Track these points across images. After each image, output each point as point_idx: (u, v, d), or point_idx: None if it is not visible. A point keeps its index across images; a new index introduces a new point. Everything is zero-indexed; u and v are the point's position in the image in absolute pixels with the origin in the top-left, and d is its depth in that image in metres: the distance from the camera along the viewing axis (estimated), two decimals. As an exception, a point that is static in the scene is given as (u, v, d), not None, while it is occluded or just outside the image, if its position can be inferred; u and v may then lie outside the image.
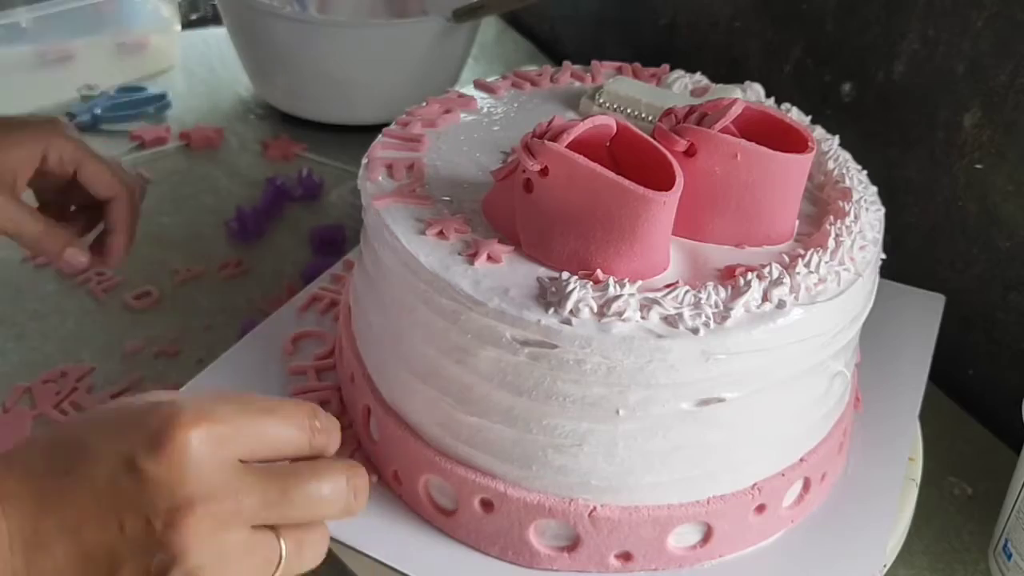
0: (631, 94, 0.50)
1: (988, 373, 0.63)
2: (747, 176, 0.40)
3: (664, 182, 0.37)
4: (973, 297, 0.63)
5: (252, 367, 0.50)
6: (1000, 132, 0.59)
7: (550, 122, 0.39)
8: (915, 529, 0.48)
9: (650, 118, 0.48)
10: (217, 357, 0.51)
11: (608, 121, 0.39)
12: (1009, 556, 0.49)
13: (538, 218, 0.39)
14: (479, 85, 0.54)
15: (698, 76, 0.55)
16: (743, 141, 0.39)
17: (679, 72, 0.55)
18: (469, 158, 0.47)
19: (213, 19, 1.05)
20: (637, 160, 0.39)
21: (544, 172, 0.38)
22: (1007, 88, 0.58)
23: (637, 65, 0.56)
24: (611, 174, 0.36)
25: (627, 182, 0.36)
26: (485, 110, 0.52)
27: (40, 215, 0.50)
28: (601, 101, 0.50)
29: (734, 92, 0.51)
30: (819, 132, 0.50)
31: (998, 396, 0.59)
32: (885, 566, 0.44)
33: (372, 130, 0.49)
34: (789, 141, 0.40)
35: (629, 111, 0.49)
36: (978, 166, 0.61)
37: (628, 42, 0.99)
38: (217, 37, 1.00)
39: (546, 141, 0.37)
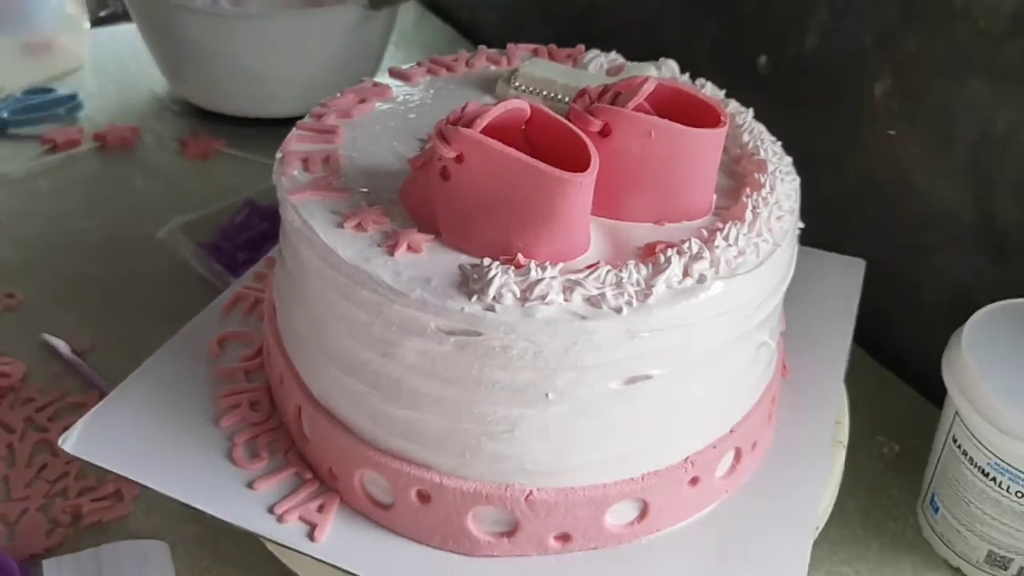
0: (547, 76, 0.49)
1: (910, 334, 0.65)
2: (662, 153, 0.40)
3: (580, 163, 0.37)
4: (893, 261, 0.64)
5: (178, 371, 0.48)
6: (910, 100, 0.60)
7: (464, 108, 0.38)
8: (847, 489, 0.49)
9: (566, 99, 0.48)
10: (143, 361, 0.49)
11: (522, 104, 0.39)
12: (936, 509, 0.51)
13: (457, 205, 0.38)
14: (394, 73, 0.53)
15: (613, 55, 0.55)
16: (656, 118, 0.40)
17: (594, 52, 0.55)
18: (386, 148, 0.46)
19: (123, 15, 1.01)
20: (553, 142, 0.39)
21: (460, 159, 0.37)
22: (914, 56, 0.59)
23: (552, 46, 0.56)
24: (526, 158, 0.36)
25: (543, 165, 0.36)
26: (401, 98, 0.51)
27: None
28: (517, 84, 0.50)
29: (648, 70, 0.52)
30: (733, 106, 0.50)
31: (920, 355, 0.61)
32: (818, 528, 0.45)
33: (294, 122, 0.48)
34: (702, 116, 0.41)
35: (545, 93, 0.49)
36: (890, 133, 0.62)
37: (548, 23, 0.99)
38: (128, 34, 0.97)
39: (460, 127, 0.37)
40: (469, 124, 0.37)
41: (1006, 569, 0.49)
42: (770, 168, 0.44)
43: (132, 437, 0.44)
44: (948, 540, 0.50)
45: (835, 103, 0.66)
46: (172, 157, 0.83)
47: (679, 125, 0.40)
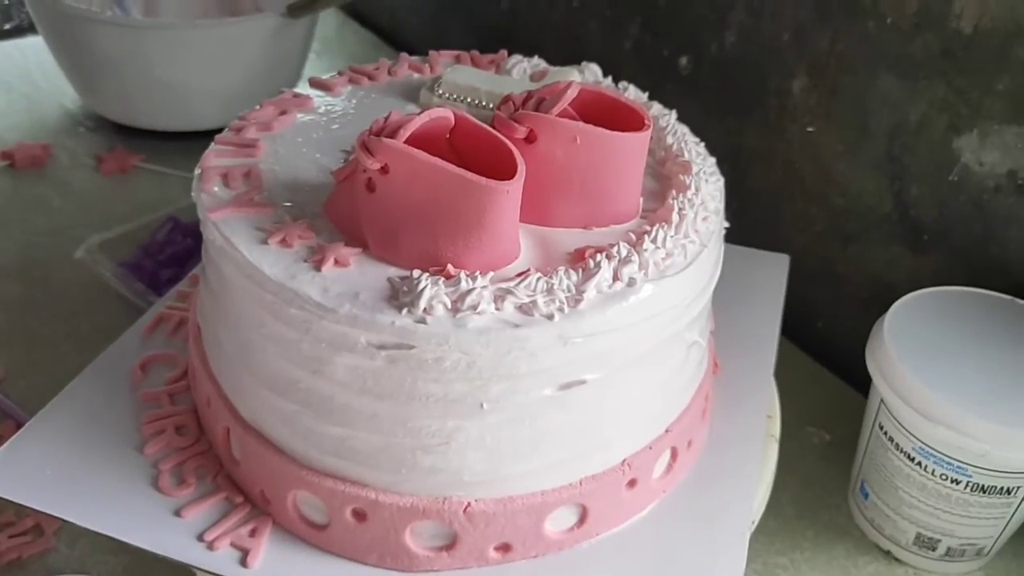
0: (470, 83, 0.49)
1: (835, 324, 0.67)
2: (588, 158, 0.40)
3: (507, 171, 0.36)
4: (816, 254, 0.66)
5: (100, 398, 0.47)
6: (826, 95, 0.62)
7: (387, 118, 0.38)
8: (781, 481, 0.50)
9: (491, 106, 0.48)
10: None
11: (446, 113, 0.38)
12: (866, 495, 0.52)
13: (383, 217, 0.38)
14: (315, 83, 0.52)
15: (536, 60, 0.55)
16: (581, 123, 0.40)
17: (517, 57, 0.55)
18: (309, 160, 0.45)
19: (29, 28, 0.98)
20: (478, 150, 0.38)
21: (384, 170, 0.37)
22: (828, 53, 0.61)
23: (475, 53, 0.56)
24: (452, 167, 0.36)
25: (468, 174, 0.36)
26: (323, 109, 0.50)
27: None
28: (440, 92, 0.50)
29: (572, 74, 0.52)
30: (657, 108, 0.51)
31: (846, 345, 0.62)
32: (754, 522, 0.45)
33: (215, 134, 0.46)
34: (626, 120, 0.41)
35: (470, 100, 0.49)
36: (810, 129, 0.64)
37: (471, 28, 0.99)
38: (35, 47, 0.93)
39: (384, 138, 0.36)
40: (393, 134, 0.36)
41: (934, 550, 0.50)
42: (694, 169, 0.45)
43: (51, 469, 0.43)
44: (878, 525, 0.52)
45: (756, 101, 0.67)
46: (88, 174, 0.80)
47: (604, 130, 0.40)
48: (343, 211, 0.40)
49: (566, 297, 0.36)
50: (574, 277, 0.37)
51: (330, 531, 0.40)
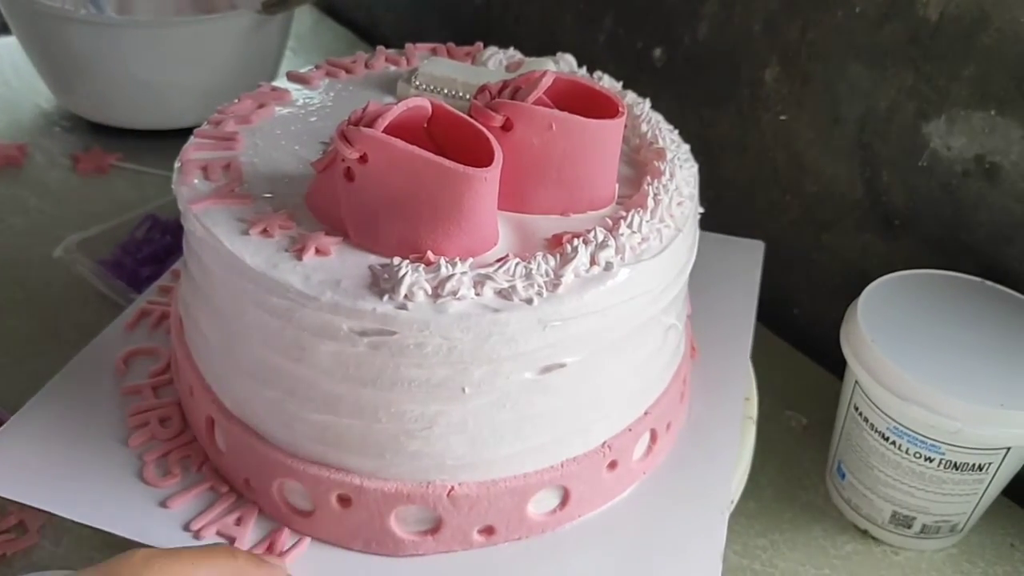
0: (446, 74, 0.50)
1: (810, 309, 0.68)
2: (564, 145, 0.40)
3: (484, 158, 0.37)
4: (791, 240, 0.67)
5: (83, 392, 0.47)
6: (798, 84, 0.63)
7: (365, 108, 0.38)
8: (759, 463, 0.51)
9: (467, 96, 0.49)
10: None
11: (423, 102, 0.39)
12: (843, 476, 0.53)
13: (363, 206, 0.38)
14: (292, 77, 0.53)
15: (511, 51, 0.55)
16: (556, 111, 0.40)
17: (493, 49, 0.55)
18: (288, 152, 0.45)
19: (3, 28, 0.97)
20: (456, 139, 0.39)
21: (363, 159, 0.37)
22: (799, 43, 0.62)
23: (451, 45, 0.56)
24: (430, 155, 0.36)
25: (447, 161, 0.36)
26: (301, 102, 0.50)
27: None
28: (417, 83, 0.50)
29: (547, 64, 0.52)
30: (631, 97, 0.51)
31: (821, 330, 0.63)
32: (733, 502, 0.46)
33: (191, 132, 0.47)
34: (601, 108, 0.42)
35: (446, 91, 0.49)
36: (782, 117, 0.65)
37: (446, 22, 0.99)
38: (9, 47, 0.93)
39: (362, 128, 0.37)
40: (371, 124, 0.37)
41: (910, 527, 0.51)
42: (669, 156, 0.45)
43: (36, 464, 0.43)
44: (855, 504, 0.53)
45: (729, 91, 0.68)
46: (65, 174, 0.80)
47: (579, 117, 0.40)
48: (323, 201, 0.40)
49: (544, 282, 0.37)
50: (552, 262, 0.38)
51: (315, 517, 0.41)
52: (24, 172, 0.80)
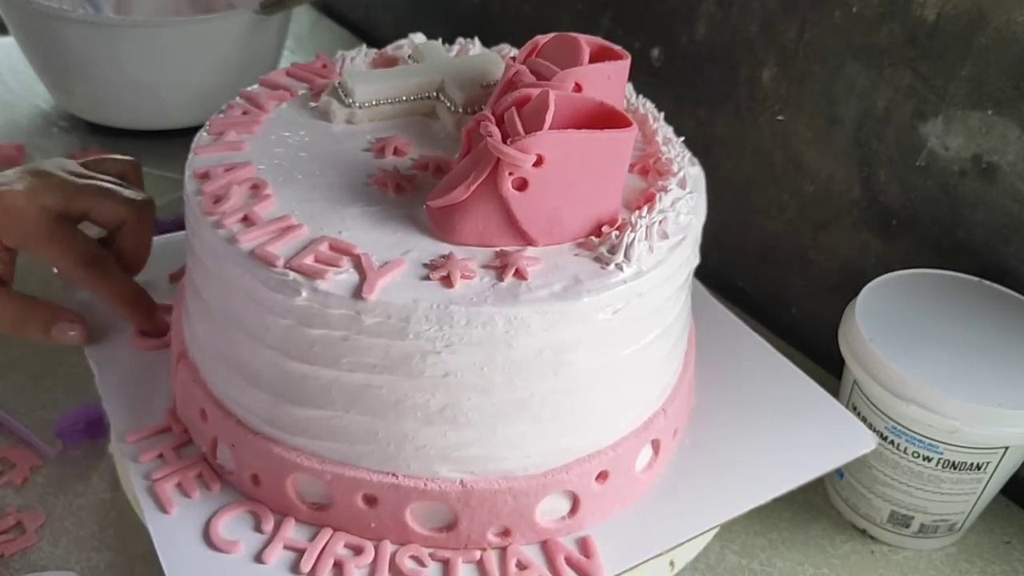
0: (379, 84, 0.47)
1: (808, 309, 0.68)
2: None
3: (596, 120, 0.38)
4: (788, 240, 0.67)
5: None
6: (795, 84, 0.63)
7: (493, 113, 0.38)
8: (757, 464, 0.51)
9: (412, 98, 0.48)
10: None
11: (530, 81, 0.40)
12: (841, 475, 0.53)
13: (544, 206, 0.38)
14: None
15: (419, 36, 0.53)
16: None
17: (399, 42, 0.53)
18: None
19: (0, 28, 0.97)
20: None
21: (538, 162, 0.37)
22: (796, 43, 0.62)
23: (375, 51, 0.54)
24: (601, 132, 0.37)
25: (615, 131, 0.37)
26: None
27: (12, 294, 0.47)
28: (355, 103, 0.47)
29: (493, 58, 0.49)
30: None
31: (819, 329, 0.64)
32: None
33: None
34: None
35: (390, 101, 0.48)
36: (780, 118, 0.65)
37: (443, 23, 0.99)
38: (7, 47, 0.93)
39: (535, 134, 0.36)
40: (531, 126, 0.36)
41: (908, 527, 0.51)
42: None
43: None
44: (853, 504, 0.53)
45: (727, 91, 0.68)
46: (62, 174, 0.80)
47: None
48: (477, 223, 0.38)
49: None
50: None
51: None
52: (22, 173, 0.80)
